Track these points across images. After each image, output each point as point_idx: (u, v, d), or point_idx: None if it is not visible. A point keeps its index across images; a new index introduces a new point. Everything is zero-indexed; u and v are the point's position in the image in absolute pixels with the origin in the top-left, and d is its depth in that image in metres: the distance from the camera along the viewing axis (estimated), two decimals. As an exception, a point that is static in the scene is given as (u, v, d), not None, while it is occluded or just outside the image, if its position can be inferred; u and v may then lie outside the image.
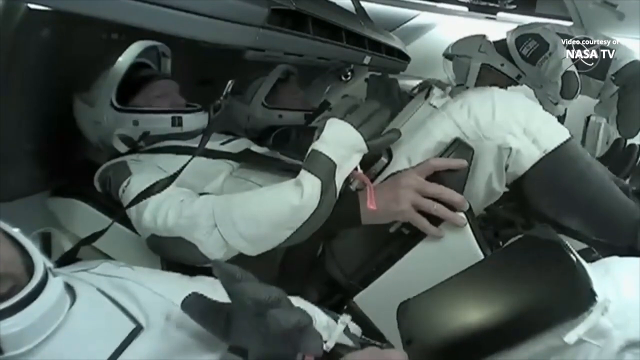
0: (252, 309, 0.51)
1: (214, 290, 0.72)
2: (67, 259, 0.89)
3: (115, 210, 0.97)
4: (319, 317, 0.72)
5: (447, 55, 2.16)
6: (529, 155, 0.88)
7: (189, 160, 0.94)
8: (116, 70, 1.12)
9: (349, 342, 0.69)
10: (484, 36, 2.08)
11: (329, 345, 0.56)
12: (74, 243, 1.00)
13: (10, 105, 0.97)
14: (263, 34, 0.86)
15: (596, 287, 0.51)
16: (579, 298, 0.51)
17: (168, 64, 1.29)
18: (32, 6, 0.86)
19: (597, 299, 0.50)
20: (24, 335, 0.45)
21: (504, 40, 2.03)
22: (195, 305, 0.55)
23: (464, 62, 2.05)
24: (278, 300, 0.51)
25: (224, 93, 1.04)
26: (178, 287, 0.69)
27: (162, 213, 0.85)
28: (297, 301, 0.59)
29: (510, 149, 0.87)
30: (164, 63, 1.29)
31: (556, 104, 1.87)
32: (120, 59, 1.12)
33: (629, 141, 1.68)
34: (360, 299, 0.89)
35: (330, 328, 0.68)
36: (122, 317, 0.55)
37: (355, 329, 0.76)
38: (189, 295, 0.55)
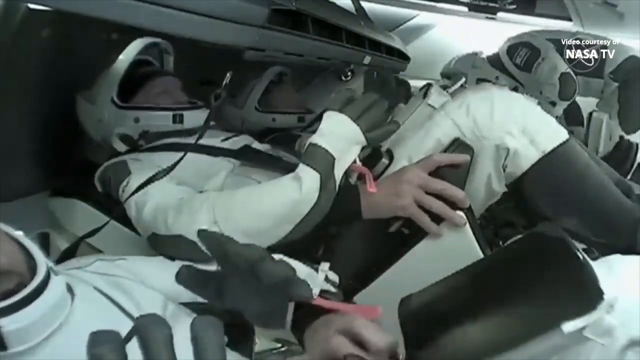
0: (243, 268, 0.55)
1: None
2: (66, 257, 0.89)
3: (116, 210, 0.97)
4: (300, 268, 0.75)
5: (445, 75, 2.22)
6: (527, 155, 0.88)
7: (186, 152, 0.94)
8: (117, 67, 1.11)
9: (330, 288, 0.73)
10: (476, 53, 2.17)
11: (315, 292, 0.59)
12: (71, 243, 1.00)
13: (10, 105, 0.97)
14: (263, 34, 0.86)
15: (602, 285, 0.51)
16: (586, 296, 0.50)
17: (170, 61, 1.28)
18: (32, 6, 0.86)
19: (604, 297, 0.50)
20: (28, 332, 0.45)
21: (497, 54, 2.10)
22: (187, 276, 0.59)
23: (460, 79, 2.12)
24: (264, 256, 0.56)
25: (223, 84, 1.05)
26: (169, 276, 0.70)
27: (162, 211, 0.85)
28: (275, 257, 0.62)
29: (508, 149, 0.88)
30: (166, 60, 1.28)
31: (554, 105, 1.89)
32: (121, 56, 1.12)
33: (632, 139, 1.68)
34: (361, 299, 0.89)
35: (312, 277, 0.74)
36: (120, 316, 0.55)
37: (333, 276, 0.78)
38: (181, 268, 0.59)
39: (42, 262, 0.48)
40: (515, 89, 2.02)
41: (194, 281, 0.59)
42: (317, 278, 0.73)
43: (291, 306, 0.60)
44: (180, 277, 0.58)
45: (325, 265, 0.76)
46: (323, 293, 0.63)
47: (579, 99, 1.97)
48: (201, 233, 0.58)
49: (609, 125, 1.75)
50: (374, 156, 0.96)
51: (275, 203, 0.79)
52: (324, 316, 0.59)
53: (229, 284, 0.57)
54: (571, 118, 2.00)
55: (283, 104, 1.63)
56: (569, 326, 0.49)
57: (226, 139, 1.15)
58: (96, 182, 1.08)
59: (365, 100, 0.84)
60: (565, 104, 1.92)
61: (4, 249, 0.46)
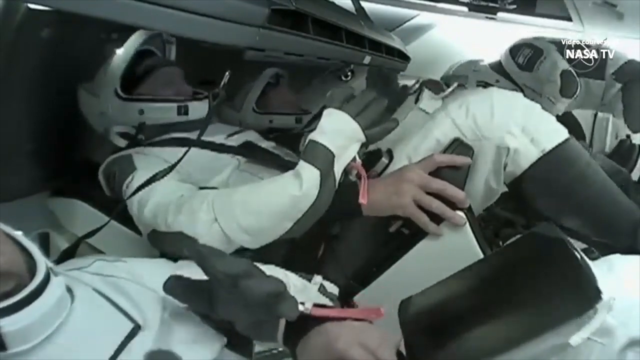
0: (227, 283, 0.54)
1: (201, 273, 0.75)
2: (66, 257, 0.89)
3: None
4: (294, 282, 0.74)
5: (445, 79, 2.26)
6: (527, 154, 0.88)
7: (188, 149, 0.94)
8: (120, 59, 1.10)
9: (327, 301, 0.72)
10: (477, 61, 2.24)
11: (307, 307, 0.58)
12: (71, 244, 1.00)
13: (10, 105, 0.97)
14: (263, 34, 0.86)
15: (600, 285, 0.51)
16: (585, 296, 0.51)
17: (173, 50, 1.27)
18: (32, 6, 0.86)
19: (602, 296, 0.50)
20: (27, 333, 0.45)
21: (498, 61, 2.15)
22: (176, 287, 0.57)
23: (460, 82, 2.16)
24: (248, 270, 0.54)
25: (222, 83, 1.05)
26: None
27: (163, 209, 0.86)
28: (269, 269, 0.61)
29: (509, 148, 0.88)
30: (169, 50, 1.27)
31: (554, 103, 1.91)
32: (124, 47, 1.11)
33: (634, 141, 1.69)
34: (361, 299, 0.89)
35: (307, 289, 0.72)
36: (120, 317, 0.55)
37: (331, 287, 0.77)
38: (169, 278, 0.57)
39: (42, 262, 0.48)
40: None
41: (183, 291, 0.57)
42: (312, 291, 0.72)
43: (282, 319, 0.59)
44: (168, 288, 0.57)
45: (318, 278, 0.75)
46: (317, 307, 0.60)
47: (577, 112, 1.98)
48: (187, 247, 0.57)
49: (615, 124, 1.76)
50: (374, 155, 0.96)
51: (276, 200, 0.79)
52: (318, 326, 0.58)
53: (219, 295, 0.56)
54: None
55: (280, 105, 1.63)
56: (576, 338, 0.50)
57: (232, 135, 1.15)
58: (100, 176, 1.07)
59: (364, 98, 0.84)
60: (566, 102, 1.93)
61: (3, 250, 0.46)
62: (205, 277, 0.57)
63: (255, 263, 0.75)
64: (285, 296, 0.55)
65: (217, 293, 0.56)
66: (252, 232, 0.81)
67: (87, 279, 0.60)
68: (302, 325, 0.57)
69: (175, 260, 0.82)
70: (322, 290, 0.75)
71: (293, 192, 0.78)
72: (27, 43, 0.94)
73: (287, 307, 0.55)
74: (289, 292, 0.56)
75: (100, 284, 0.59)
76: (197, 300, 0.57)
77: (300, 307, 0.57)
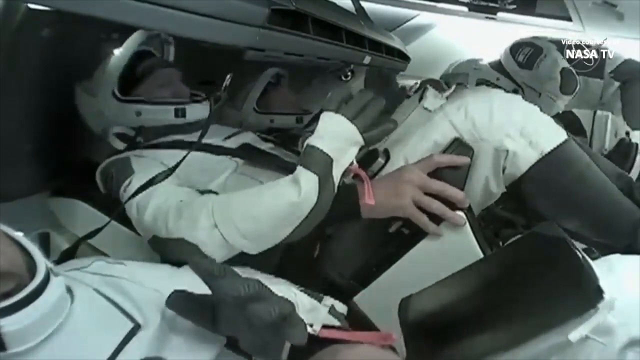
0: (233, 305, 0.51)
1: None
2: (66, 257, 0.88)
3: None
4: (302, 301, 0.73)
5: (444, 78, 2.27)
6: (526, 157, 0.88)
7: (188, 153, 0.94)
8: (118, 59, 1.10)
9: (335, 322, 0.70)
10: (476, 60, 2.29)
11: (315, 329, 0.56)
12: (72, 244, 1.00)
13: (10, 105, 0.97)
14: (263, 34, 0.86)
15: (602, 284, 0.51)
16: (586, 295, 0.51)
17: (171, 51, 1.27)
18: (32, 6, 0.86)
19: (604, 296, 0.50)
20: (27, 333, 0.45)
21: (498, 60, 2.20)
22: (179, 301, 0.55)
23: (461, 80, 2.18)
24: (256, 293, 0.51)
25: (223, 86, 1.04)
26: (170, 279, 0.69)
27: (162, 214, 0.85)
28: (277, 287, 0.59)
29: (507, 151, 0.87)
30: (167, 50, 1.27)
31: (555, 101, 1.92)
32: (122, 48, 1.11)
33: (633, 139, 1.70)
34: (361, 299, 0.89)
35: (317, 310, 0.70)
36: (119, 316, 0.55)
37: (341, 307, 0.76)
38: (172, 292, 0.55)
39: (42, 263, 0.49)
40: (515, 92, 2.05)
41: (186, 307, 0.56)
42: (321, 312, 0.71)
43: (287, 344, 0.56)
44: (170, 302, 0.55)
45: (329, 300, 0.74)
46: (326, 328, 0.59)
47: (576, 111, 1.99)
48: (192, 262, 0.55)
49: (614, 122, 1.77)
50: (370, 155, 0.96)
51: (275, 206, 0.79)
52: (330, 347, 0.56)
53: (224, 314, 0.54)
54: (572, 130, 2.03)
55: (281, 105, 1.63)
56: (575, 334, 0.50)
57: (229, 137, 1.14)
58: (98, 177, 1.07)
59: (361, 99, 0.83)
60: (567, 100, 1.94)
61: (3, 250, 0.46)
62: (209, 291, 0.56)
63: (261, 274, 0.73)
64: (294, 320, 0.53)
65: (221, 311, 0.54)
66: (252, 237, 0.80)
67: (87, 279, 0.60)
68: (309, 345, 0.55)
69: (178, 265, 0.82)
70: (332, 311, 0.74)
71: (291, 198, 0.77)
72: (27, 43, 0.94)
73: (295, 333, 0.52)
74: (297, 314, 0.54)
75: (100, 284, 0.59)
76: (200, 317, 0.55)
77: (309, 329, 0.55)
